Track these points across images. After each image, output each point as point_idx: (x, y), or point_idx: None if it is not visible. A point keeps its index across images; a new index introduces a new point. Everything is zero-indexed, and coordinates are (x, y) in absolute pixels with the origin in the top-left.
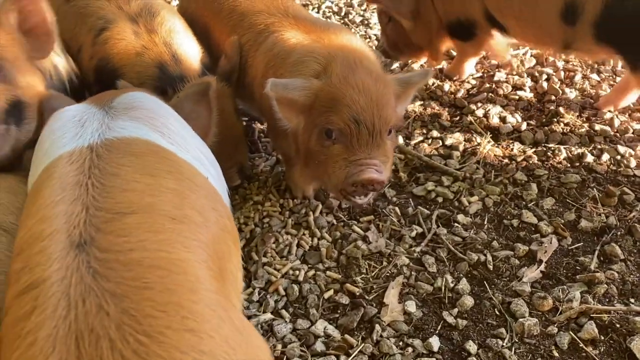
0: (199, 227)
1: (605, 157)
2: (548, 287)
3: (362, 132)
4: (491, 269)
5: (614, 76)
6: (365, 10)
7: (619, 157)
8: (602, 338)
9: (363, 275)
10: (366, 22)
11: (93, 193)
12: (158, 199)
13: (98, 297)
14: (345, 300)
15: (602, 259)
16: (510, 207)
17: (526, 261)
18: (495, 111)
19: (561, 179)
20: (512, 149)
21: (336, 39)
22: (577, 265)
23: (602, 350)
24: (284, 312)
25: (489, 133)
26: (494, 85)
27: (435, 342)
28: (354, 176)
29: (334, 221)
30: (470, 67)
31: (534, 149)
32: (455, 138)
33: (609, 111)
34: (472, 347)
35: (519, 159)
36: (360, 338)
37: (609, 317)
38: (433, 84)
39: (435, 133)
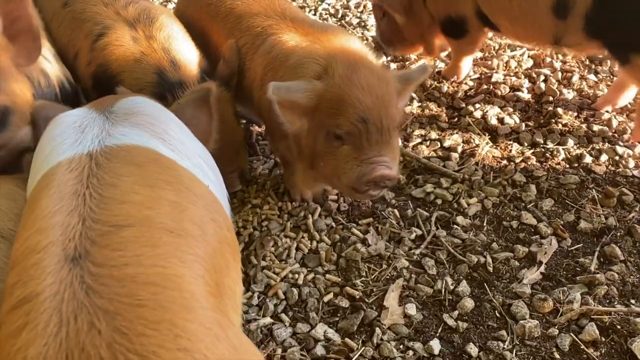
0: (197, 241)
1: (604, 157)
2: (548, 288)
3: (371, 131)
4: (491, 271)
5: (611, 76)
6: (362, 12)
7: (617, 158)
8: (603, 339)
9: (363, 278)
10: (363, 24)
11: (90, 204)
12: (156, 212)
13: (90, 314)
14: (345, 303)
15: (602, 260)
16: (510, 208)
17: (526, 263)
18: (493, 112)
19: (560, 180)
20: (510, 150)
21: (335, 40)
22: (577, 267)
23: (603, 351)
24: (283, 316)
25: (487, 134)
26: (491, 87)
27: (436, 345)
28: (366, 175)
29: (333, 224)
30: (467, 67)
31: (532, 150)
32: (454, 140)
33: (607, 111)
34: (473, 349)
35: (517, 160)
36: (360, 341)
37: (609, 318)
38: (431, 85)
39: (433, 135)
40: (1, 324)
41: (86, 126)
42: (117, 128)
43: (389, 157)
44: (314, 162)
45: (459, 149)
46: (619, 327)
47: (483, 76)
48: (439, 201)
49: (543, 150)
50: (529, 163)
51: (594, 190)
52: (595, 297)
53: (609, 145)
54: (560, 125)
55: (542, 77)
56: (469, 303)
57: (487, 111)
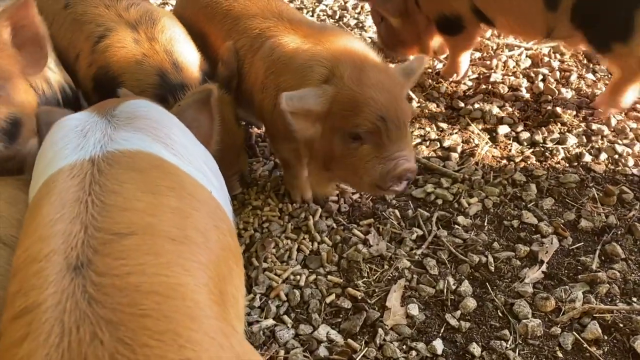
0: (200, 249)
1: (603, 156)
2: (550, 287)
3: (390, 127)
4: (493, 271)
5: (609, 75)
6: (359, 13)
7: (616, 156)
8: (606, 338)
9: (364, 279)
10: (361, 25)
11: (92, 211)
12: (159, 219)
13: (92, 325)
14: (347, 304)
15: (603, 258)
16: (510, 207)
17: (527, 262)
18: (492, 112)
19: (560, 179)
20: (510, 150)
21: (336, 41)
22: (579, 265)
23: (605, 350)
24: (285, 317)
25: (486, 134)
26: (490, 87)
27: (438, 345)
28: (391, 172)
29: (334, 225)
30: (465, 64)
31: (531, 150)
32: (453, 140)
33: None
34: (476, 349)
35: (517, 160)
36: (363, 342)
37: (611, 316)
38: (429, 85)
39: (433, 135)
40: (2, 333)
41: (88, 130)
42: (119, 132)
43: (408, 151)
44: (331, 164)
45: (459, 149)
46: (621, 325)
47: (481, 76)
48: (439, 201)
49: (542, 149)
50: (529, 162)
51: (594, 188)
52: (597, 296)
53: (608, 144)
54: (559, 125)
55: (540, 77)
56: (471, 303)
57: (486, 111)
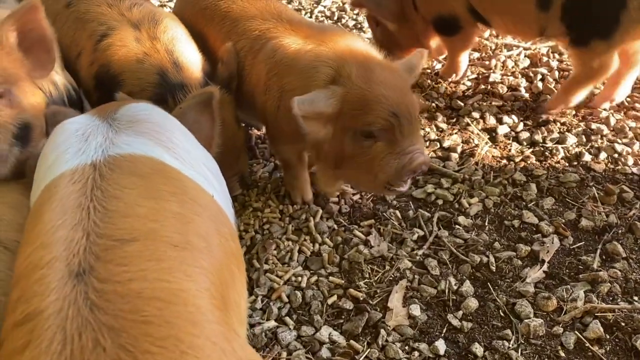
0: (202, 254)
1: (603, 155)
2: (552, 287)
3: (403, 123)
4: (494, 271)
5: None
6: (357, 14)
7: (616, 156)
8: (608, 337)
9: (366, 280)
10: (359, 25)
11: (94, 218)
12: (161, 225)
13: (95, 332)
14: (349, 305)
15: (604, 257)
16: (511, 207)
17: (529, 261)
18: (491, 112)
19: (560, 179)
20: (509, 150)
21: (338, 40)
22: (580, 265)
23: (608, 349)
24: (287, 319)
25: (486, 134)
26: (489, 87)
27: (441, 345)
28: (406, 166)
29: (335, 226)
30: (464, 64)
31: (531, 149)
32: (453, 140)
33: (604, 109)
34: (478, 349)
35: (517, 160)
36: (365, 343)
37: (613, 315)
38: (428, 86)
39: (432, 135)
40: (4, 340)
41: (89, 134)
42: (120, 136)
43: (420, 144)
44: (342, 164)
45: (459, 149)
46: (623, 324)
47: (480, 76)
48: (440, 201)
49: (542, 149)
50: (529, 162)
51: (594, 188)
52: (599, 295)
53: (608, 143)
54: (558, 124)
55: (539, 76)
56: (473, 303)
57: (485, 111)
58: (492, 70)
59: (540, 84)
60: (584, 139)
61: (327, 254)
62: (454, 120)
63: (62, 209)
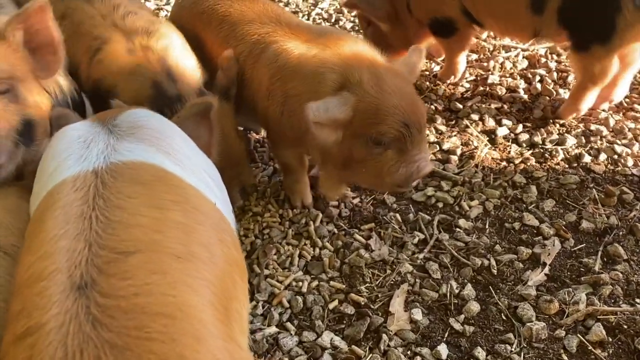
0: (205, 264)
1: (603, 156)
2: (553, 290)
3: (413, 133)
4: (495, 274)
5: None
6: (355, 16)
7: (616, 157)
8: (610, 340)
9: (367, 284)
10: (357, 28)
11: (97, 228)
12: (163, 236)
13: (97, 348)
14: (350, 310)
15: (605, 259)
16: (511, 210)
17: (530, 264)
18: (490, 114)
19: (560, 180)
20: (509, 152)
21: (342, 44)
22: (581, 267)
23: (610, 352)
24: (289, 324)
25: (485, 136)
26: (487, 88)
27: (443, 349)
28: (414, 174)
29: (335, 230)
30: (462, 66)
31: (531, 151)
32: (452, 142)
33: (603, 110)
34: (480, 353)
35: (516, 162)
36: (367, 348)
37: (615, 318)
38: (427, 88)
39: (432, 137)
40: (5, 354)
41: (91, 141)
42: (122, 143)
43: (425, 151)
44: (349, 168)
45: (458, 152)
46: (625, 326)
47: (479, 78)
48: (440, 204)
49: (542, 150)
50: (529, 164)
51: (594, 189)
52: (601, 297)
53: (607, 144)
54: (557, 126)
55: (537, 78)
56: (474, 306)
57: (484, 113)
58: (490, 72)
59: (539, 85)
60: (584, 140)
61: (327, 258)
62: (453, 122)
63: (64, 217)
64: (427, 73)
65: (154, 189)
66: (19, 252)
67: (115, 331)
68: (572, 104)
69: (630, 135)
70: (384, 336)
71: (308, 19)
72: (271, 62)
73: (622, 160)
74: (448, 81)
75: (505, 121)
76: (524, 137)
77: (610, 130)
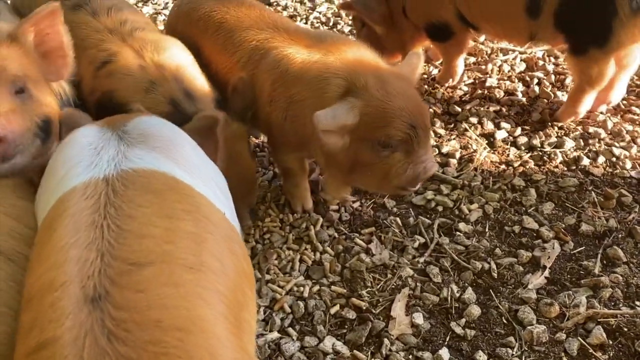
0: (217, 276)
1: (601, 159)
2: (553, 293)
3: (420, 134)
4: (496, 277)
5: None
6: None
7: (614, 159)
8: (611, 342)
9: (368, 289)
10: (355, 31)
11: (108, 237)
12: (175, 246)
13: None
14: (351, 315)
15: (605, 262)
16: (511, 213)
17: (530, 267)
18: (489, 117)
19: (559, 183)
20: (508, 155)
21: (344, 49)
22: (581, 270)
23: (611, 355)
24: (290, 330)
25: (484, 139)
26: (486, 91)
27: (445, 353)
28: (421, 175)
29: (336, 234)
30: (460, 69)
31: (529, 154)
32: (452, 146)
33: (601, 113)
34: (482, 357)
35: (515, 165)
36: (369, 353)
37: (615, 321)
38: (426, 91)
39: (431, 141)
40: None
41: (101, 148)
42: (133, 150)
43: (430, 152)
44: (357, 171)
45: (457, 155)
46: (625, 329)
47: (477, 81)
48: (440, 208)
49: (540, 153)
50: (527, 167)
51: (593, 192)
52: (601, 300)
53: (606, 147)
54: (556, 128)
55: (535, 81)
56: (475, 310)
57: (483, 116)
58: (488, 75)
59: (537, 88)
60: (582, 143)
61: (328, 263)
62: (452, 125)
63: (74, 226)
64: (426, 76)
65: (165, 198)
66: (22, 257)
67: (131, 345)
68: (570, 107)
69: (628, 137)
70: (386, 341)
71: (306, 23)
72: (272, 68)
73: (621, 163)
74: (446, 84)
75: (503, 124)
76: (523, 140)
77: (609, 132)
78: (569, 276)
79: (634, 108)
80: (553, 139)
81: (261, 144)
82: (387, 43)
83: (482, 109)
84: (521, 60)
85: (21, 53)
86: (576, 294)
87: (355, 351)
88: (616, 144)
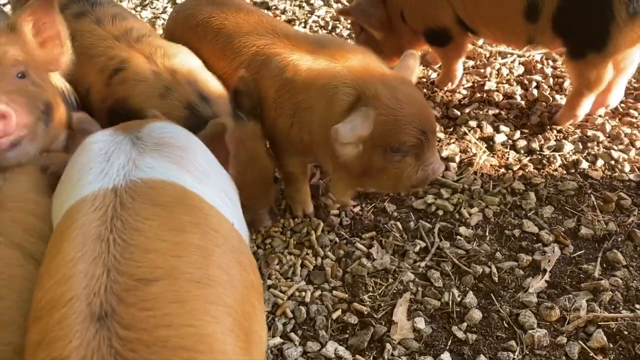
0: (225, 289)
1: (600, 162)
2: (554, 296)
3: (430, 138)
4: (496, 281)
5: None
6: (352, 23)
7: (613, 162)
8: (611, 346)
9: (370, 294)
10: (353, 35)
11: (114, 252)
12: (182, 261)
13: None
14: (353, 319)
15: (604, 265)
16: (511, 217)
17: (530, 271)
18: (488, 120)
19: (558, 187)
20: (507, 158)
21: (348, 56)
22: (581, 273)
23: (612, 358)
24: (293, 335)
25: (483, 143)
26: (485, 95)
27: (446, 358)
28: (430, 176)
29: (337, 239)
30: (459, 72)
31: (529, 158)
32: (451, 149)
33: (600, 116)
34: None
35: (515, 168)
36: (372, 358)
37: (616, 324)
38: (425, 95)
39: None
40: None
41: (112, 153)
42: (144, 158)
43: (437, 154)
44: (368, 175)
45: (457, 159)
46: (626, 332)
47: (476, 84)
48: (440, 212)
49: (540, 157)
50: (527, 170)
51: (592, 195)
52: (601, 304)
53: (604, 150)
54: (555, 131)
55: (534, 84)
56: (476, 314)
57: (482, 120)
58: (487, 78)
59: (535, 92)
60: (581, 146)
61: (330, 267)
62: (451, 129)
63: (82, 238)
64: (425, 80)
65: (173, 210)
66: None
67: None
68: (569, 111)
69: (626, 140)
70: (388, 345)
71: (305, 27)
72: (276, 74)
73: (619, 166)
74: (445, 88)
75: (502, 127)
76: (522, 143)
77: (607, 135)
78: (569, 280)
79: (632, 111)
80: (552, 143)
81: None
82: (385, 47)
83: (481, 112)
84: (519, 63)
85: (21, 41)
86: (576, 297)
87: (357, 356)
88: (615, 147)
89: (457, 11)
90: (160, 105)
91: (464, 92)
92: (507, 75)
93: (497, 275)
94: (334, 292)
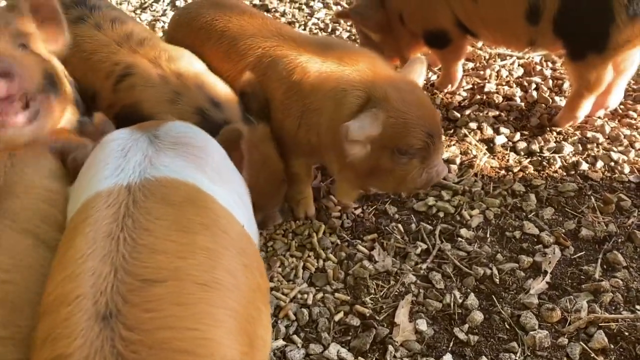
0: (231, 292)
1: (600, 164)
2: (555, 297)
3: (436, 141)
4: (498, 283)
5: None
6: (351, 26)
7: (612, 164)
8: (612, 347)
9: (372, 296)
10: (353, 37)
11: (123, 251)
12: (189, 263)
13: None
14: (356, 322)
15: (605, 267)
16: (511, 218)
17: (531, 273)
18: (488, 122)
19: (558, 188)
20: (507, 160)
21: (356, 58)
22: (582, 275)
23: (613, 359)
24: (295, 337)
25: (484, 145)
26: (484, 97)
27: (448, 359)
28: (434, 178)
29: (338, 241)
30: (458, 74)
31: (529, 159)
32: (452, 151)
33: (599, 117)
34: None
35: (515, 170)
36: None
37: (617, 325)
38: None
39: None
40: None
41: (129, 150)
42: (160, 157)
43: (441, 156)
44: (374, 176)
45: (458, 161)
46: (626, 333)
47: (476, 86)
48: (441, 214)
49: (540, 158)
50: (527, 172)
51: (592, 197)
52: (602, 305)
53: (604, 151)
54: (554, 133)
55: (533, 86)
56: (478, 316)
57: (482, 121)
58: (487, 80)
59: (534, 93)
60: (580, 148)
61: (331, 269)
62: (452, 131)
63: (93, 235)
64: (425, 82)
65: (184, 211)
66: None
67: None
68: (568, 112)
69: (626, 142)
70: (390, 347)
71: (304, 29)
72: (284, 76)
73: (619, 167)
74: (445, 90)
75: (503, 129)
76: (522, 145)
77: (607, 137)
78: (569, 281)
79: (631, 112)
80: (552, 144)
81: None
82: (384, 50)
83: (481, 114)
84: (519, 65)
85: (20, 19)
86: (577, 298)
87: (360, 358)
88: (614, 148)
89: (457, 13)
90: (170, 110)
91: (464, 94)
92: (507, 77)
93: (498, 277)
94: (336, 295)
